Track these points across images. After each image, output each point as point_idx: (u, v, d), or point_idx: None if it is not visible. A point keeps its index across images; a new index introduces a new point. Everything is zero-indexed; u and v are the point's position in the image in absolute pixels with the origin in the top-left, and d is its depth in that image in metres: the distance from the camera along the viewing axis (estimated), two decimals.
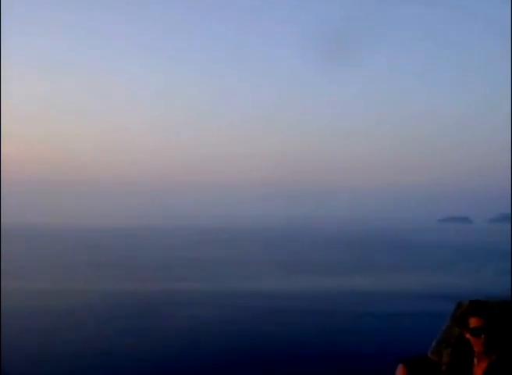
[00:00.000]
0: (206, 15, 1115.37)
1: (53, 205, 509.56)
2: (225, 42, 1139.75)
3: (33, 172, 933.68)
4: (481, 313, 4.42)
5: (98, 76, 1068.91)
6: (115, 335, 46.66)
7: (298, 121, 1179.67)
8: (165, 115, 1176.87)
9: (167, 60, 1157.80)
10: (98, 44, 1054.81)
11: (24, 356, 39.43)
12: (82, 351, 40.97)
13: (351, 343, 45.07)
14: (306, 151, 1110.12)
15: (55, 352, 40.90)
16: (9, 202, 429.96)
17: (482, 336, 4.30)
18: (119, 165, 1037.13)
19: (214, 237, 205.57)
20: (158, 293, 69.81)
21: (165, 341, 44.88)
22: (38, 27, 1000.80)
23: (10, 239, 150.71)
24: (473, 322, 4.38)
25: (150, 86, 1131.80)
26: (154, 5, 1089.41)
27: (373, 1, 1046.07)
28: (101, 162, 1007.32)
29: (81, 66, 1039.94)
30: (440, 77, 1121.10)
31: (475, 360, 4.50)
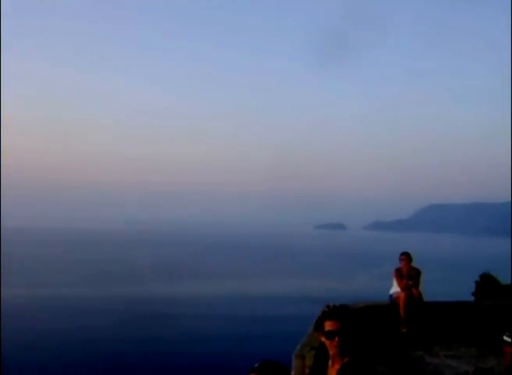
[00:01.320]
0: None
1: None
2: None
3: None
4: (336, 317, 4.42)
5: None
6: None
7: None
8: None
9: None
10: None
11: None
12: None
13: (219, 347, 44.80)
14: (163, 152, 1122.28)
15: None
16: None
17: (336, 339, 4.35)
18: None
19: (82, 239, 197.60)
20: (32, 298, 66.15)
21: (41, 348, 42.99)
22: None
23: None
24: (328, 325, 4.42)
25: None
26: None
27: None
28: None
29: None
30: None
31: (330, 363, 4.52)
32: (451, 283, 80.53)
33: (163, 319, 56.43)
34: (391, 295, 10.87)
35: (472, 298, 24.29)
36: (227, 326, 53.85)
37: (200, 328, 52.90)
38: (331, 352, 4.45)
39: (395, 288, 10.85)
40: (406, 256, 10.90)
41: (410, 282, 10.68)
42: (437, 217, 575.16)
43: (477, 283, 28.59)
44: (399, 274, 10.82)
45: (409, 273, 10.78)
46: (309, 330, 8.72)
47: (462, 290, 29.52)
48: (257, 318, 57.95)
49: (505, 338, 4.39)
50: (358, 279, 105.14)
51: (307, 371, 7.42)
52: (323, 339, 4.45)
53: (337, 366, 4.45)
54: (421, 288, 10.75)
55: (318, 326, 4.48)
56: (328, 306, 4.53)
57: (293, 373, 7.69)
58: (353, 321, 4.49)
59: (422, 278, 10.94)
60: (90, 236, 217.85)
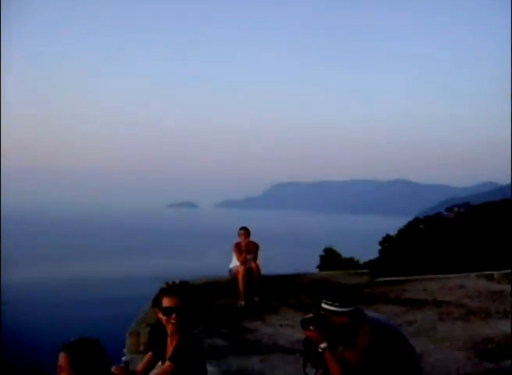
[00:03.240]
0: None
1: None
2: None
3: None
4: (174, 293, 4.42)
5: None
6: None
7: None
8: None
9: None
10: None
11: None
12: None
13: (59, 334, 43.87)
14: None
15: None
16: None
17: (173, 315, 4.35)
18: None
19: None
20: None
21: None
22: None
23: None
24: (166, 302, 4.40)
25: None
26: None
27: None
28: None
29: None
30: None
31: (168, 340, 4.51)
32: (298, 257, 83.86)
33: None
34: (230, 269, 11.07)
35: (317, 271, 25.40)
36: (70, 311, 52.69)
37: (36, 314, 51.44)
38: (168, 329, 4.45)
39: (234, 263, 11.06)
40: (244, 231, 11.14)
41: (248, 256, 10.93)
42: (284, 195, 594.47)
43: (321, 256, 30.05)
44: (238, 249, 11.05)
45: (247, 248, 11.03)
46: (146, 308, 8.67)
47: (308, 263, 30.83)
48: (105, 301, 57.12)
49: (323, 305, 4.58)
50: (209, 256, 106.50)
51: (141, 348, 7.36)
52: (160, 315, 4.44)
53: (174, 343, 4.44)
54: (259, 262, 11.03)
55: (156, 302, 4.49)
56: (167, 283, 4.52)
57: (125, 350, 7.59)
58: (192, 297, 4.53)
59: (260, 252, 11.23)
60: None
